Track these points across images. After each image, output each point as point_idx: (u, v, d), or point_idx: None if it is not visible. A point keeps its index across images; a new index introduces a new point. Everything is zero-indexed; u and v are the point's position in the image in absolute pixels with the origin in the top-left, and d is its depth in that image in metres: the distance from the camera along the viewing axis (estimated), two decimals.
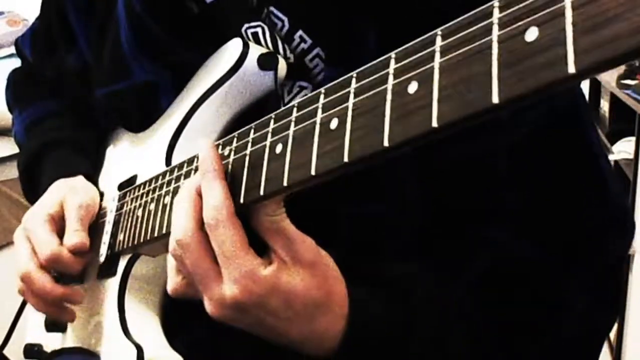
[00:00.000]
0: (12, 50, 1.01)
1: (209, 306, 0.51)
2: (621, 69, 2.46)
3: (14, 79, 0.94)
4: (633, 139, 2.09)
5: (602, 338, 0.64)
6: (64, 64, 0.83)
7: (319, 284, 0.50)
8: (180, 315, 0.68)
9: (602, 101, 2.90)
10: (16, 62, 0.95)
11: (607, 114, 2.73)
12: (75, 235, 0.69)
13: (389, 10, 0.58)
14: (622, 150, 2.33)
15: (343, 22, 0.59)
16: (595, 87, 3.00)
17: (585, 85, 3.03)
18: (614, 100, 2.59)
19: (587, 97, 3.04)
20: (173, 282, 0.55)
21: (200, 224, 0.50)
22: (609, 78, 2.51)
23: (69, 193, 0.74)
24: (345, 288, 0.52)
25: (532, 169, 0.59)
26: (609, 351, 2.20)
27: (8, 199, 1.34)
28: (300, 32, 0.61)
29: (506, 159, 0.59)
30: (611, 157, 2.43)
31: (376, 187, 0.57)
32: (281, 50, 0.62)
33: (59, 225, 0.72)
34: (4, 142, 1.46)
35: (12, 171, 1.38)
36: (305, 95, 0.62)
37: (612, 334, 2.17)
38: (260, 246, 0.50)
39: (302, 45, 0.61)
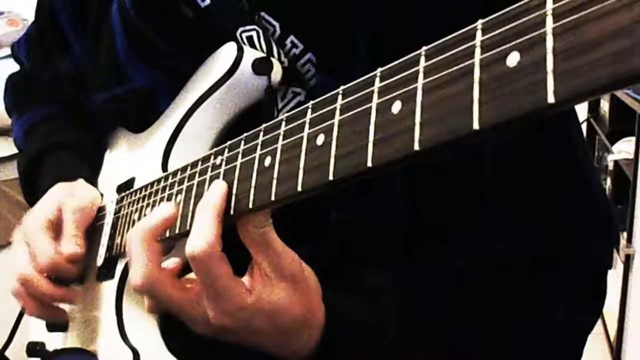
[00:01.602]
0: None
1: (191, 326, 0.53)
2: None
3: (11, 83, 0.94)
4: (633, 139, 2.07)
5: (582, 342, 0.64)
6: (59, 67, 0.83)
7: (302, 299, 0.51)
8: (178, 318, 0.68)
9: (602, 101, 2.88)
10: (16, 63, 0.95)
11: (607, 114, 2.71)
12: (71, 243, 0.70)
13: (379, 15, 0.57)
14: (622, 150, 2.31)
15: (333, 27, 0.58)
16: None
17: None
18: (614, 100, 2.56)
19: None
20: (147, 303, 0.56)
21: (158, 265, 0.53)
22: None
23: (67, 197, 0.74)
24: (322, 302, 0.53)
25: (516, 173, 0.59)
26: (609, 351, 2.19)
27: (8, 199, 1.35)
28: (291, 38, 0.60)
29: (492, 162, 0.59)
30: (611, 157, 2.41)
31: (363, 192, 0.57)
32: (275, 54, 0.62)
33: (57, 230, 0.72)
34: (4, 142, 1.47)
35: (12, 171, 1.39)
36: (299, 101, 0.62)
37: (612, 334, 2.16)
38: (237, 256, 0.51)
39: (294, 50, 0.61)
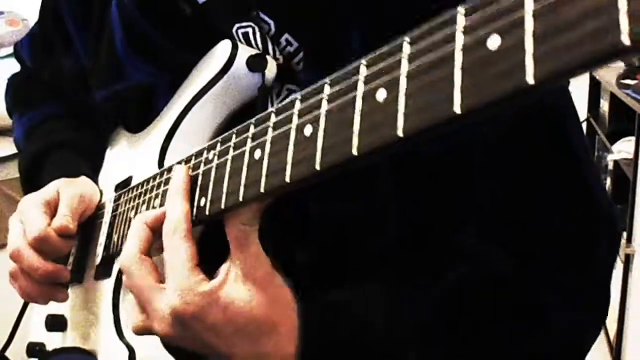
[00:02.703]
0: (12, 50, 1.01)
1: (153, 323, 0.52)
2: (621, 68, 2.44)
3: (13, 83, 0.95)
4: (633, 139, 2.07)
5: (587, 347, 0.62)
6: (61, 67, 0.84)
7: (267, 304, 0.49)
8: None
9: (602, 101, 2.87)
10: (16, 62, 0.95)
11: (607, 114, 2.70)
12: (63, 219, 0.70)
13: (377, 14, 0.57)
14: (622, 150, 2.30)
15: (328, 26, 0.58)
16: (595, 87, 2.97)
17: (585, 85, 3.00)
18: (614, 100, 2.56)
19: (587, 97, 3.01)
20: (133, 319, 0.55)
21: (146, 251, 0.53)
22: (609, 78, 2.48)
23: (66, 184, 0.75)
24: (295, 313, 0.51)
25: (510, 170, 0.58)
26: (609, 351, 2.17)
27: (8, 199, 1.35)
28: (286, 36, 0.60)
29: (483, 156, 0.57)
30: (611, 157, 2.40)
31: (348, 186, 0.56)
32: (271, 51, 0.62)
33: (53, 211, 0.72)
34: (4, 142, 1.47)
35: (12, 171, 1.39)
36: None
37: (612, 334, 2.15)
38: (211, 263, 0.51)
39: (289, 48, 0.60)
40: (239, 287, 0.49)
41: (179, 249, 0.50)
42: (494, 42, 0.30)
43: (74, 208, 0.72)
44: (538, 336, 0.58)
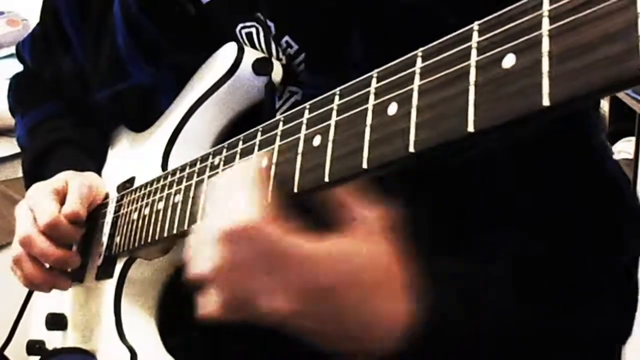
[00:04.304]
0: (12, 50, 1.01)
1: (272, 302, 0.43)
2: None
3: (15, 83, 0.94)
4: (633, 139, 2.06)
5: (623, 338, 0.61)
6: (61, 67, 0.83)
7: (388, 255, 0.44)
8: (176, 316, 0.68)
9: (602, 101, 2.86)
10: (16, 62, 0.95)
11: (607, 114, 2.69)
12: (73, 205, 0.70)
13: (376, 15, 0.57)
14: (622, 150, 2.30)
15: (327, 27, 0.58)
16: None
17: None
18: (614, 100, 2.55)
19: None
20: (209, 303, 0.45)
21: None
22: None
23: (74, 174, 0.75)
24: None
25: (539, 170, 0.57)
26: None
27: (8, 199, 1.34)
28: (286, 38, 0.60)
29: (510, 158, 0.55)
30: None
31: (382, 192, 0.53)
32: (274, 52, 0.61)
33: (62, 199, 0.72)
34: (4, 142, 1.46)
35: (12, 171, 1.38)
36: (295, 100, 0.62)
37: None
38: None
39: (289, 50, 0.60)
40: (377, 239, 0.44)
41: (282, 233, 0.41)
42: (509, 61, 0.30)
43: (83, 196, 0.72)
44: (578, 319, 0.56)
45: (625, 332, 0.62)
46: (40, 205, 0.70)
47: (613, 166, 0.61)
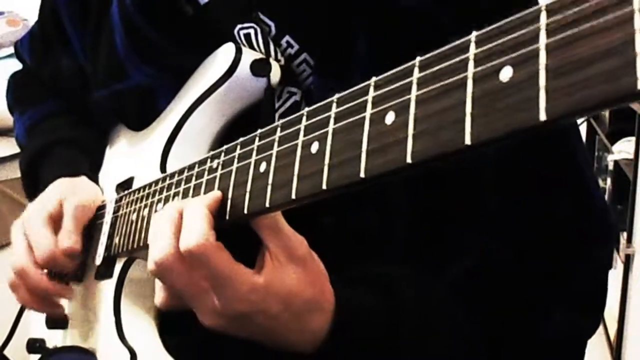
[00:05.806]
0: (12, 50, 1.01)
1: (202, 318, 0.52)
2: None
3: (14, 81, 0.94)
4: (633, 139, 2.06)
5: (583, 345, 0.64)
6: (60, 66, 0.83)
7: (312, 280, 0.51)
8: (176, 316, 0.68)
9: None
10: (16, 62, 0.95)
11: (607, 114, 2.69)
12: (69, 238, 0.70)
13: (379, 17, 0.57)
14: (622, 150, 2.30)
15: (332, 28, 0.58)
16: None
17: None
18: None
19: None
20: (159, 296, 0.55)
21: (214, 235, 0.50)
22: None
23: (69, 192, 0.75)
24: (330, 284, 0.53)
25: (516, 175, 0.59)
26: (609, 351, 2.18)
27: (8, 199, 1.35)
28: (287, 38, 0.60)
29: (493, 164, 0.58)
30: (611, 157, 2.39)
31: (360, 197, 0.56)
32: (272, 53, 0.61)
33: (57, 224, 0.72)
34: (4, 142, 1.46)
35: (12, 171, 1.38)
36: (295, 101, 0.62)
37: (612, 334, 2.15)
38: (243, 251, 0.50)
39: (289, 50, 0.60)
40: (287, 272, 0.49)
41: (220, 260, 0.49)
42: (506, 74, 0.30)
43: (78, 221, 0.71)
44: (538, 327, 0.60)
45: (588, 335, 0.65)
46: (35, 235, 0.70)
47: (589, 176, 0.64)
